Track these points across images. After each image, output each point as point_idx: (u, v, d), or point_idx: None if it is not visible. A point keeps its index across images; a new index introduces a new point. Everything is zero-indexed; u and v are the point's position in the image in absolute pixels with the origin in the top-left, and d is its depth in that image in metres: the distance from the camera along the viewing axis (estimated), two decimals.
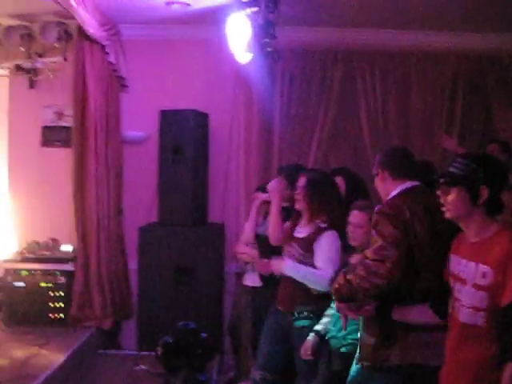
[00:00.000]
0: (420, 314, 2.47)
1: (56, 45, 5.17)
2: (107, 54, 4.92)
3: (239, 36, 4.04)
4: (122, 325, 5.31)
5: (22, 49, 5.28)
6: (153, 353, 4.28)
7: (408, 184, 2.67)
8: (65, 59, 5.18)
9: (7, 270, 4.94)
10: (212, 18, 4.74)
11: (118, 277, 5.14)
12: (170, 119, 4.91)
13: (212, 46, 4.98)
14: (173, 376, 4.09)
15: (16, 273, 4.92)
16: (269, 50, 4.26)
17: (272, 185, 3.67)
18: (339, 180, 3.68)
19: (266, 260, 3.50)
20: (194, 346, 4.15)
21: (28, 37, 5.25)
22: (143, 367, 4.43)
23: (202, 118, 5.12)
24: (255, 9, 4.00)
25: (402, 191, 2.66)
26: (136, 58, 5.29)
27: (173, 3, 4.74)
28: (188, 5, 4.76)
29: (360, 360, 2.67)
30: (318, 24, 5.08)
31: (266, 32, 4.12)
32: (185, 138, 4.87)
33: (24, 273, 4.91)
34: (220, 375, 4.66)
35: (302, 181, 3.41)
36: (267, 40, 4.16)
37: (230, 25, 4.06)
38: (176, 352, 4.13)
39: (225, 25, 4.07)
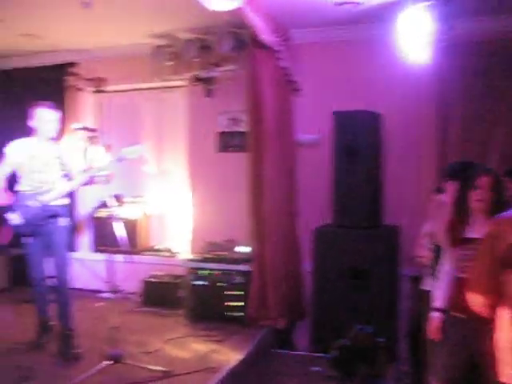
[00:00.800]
0: None
1: (230, 54, 5.42)
2: (280, 59, 5.00)
3: (412, 32, 3.90)
4: (295, 325, 5.36)
5: (199, 60, 5.61)
6: (326, 354, 4.28)
7: None
8: (239, 67, 5.40)
9: (189, 270, 5.24)
10: (382, 16, 4.65)
11: (293, 278, 5.19)
12: (343, 120, 4.87)
13: (382, 44, 4.85)
14: (348, 380, 4.04)
15: (196, 272, 5.20)
16: (444, 44, 4.06)
17: (449, 188, 3.49)
18: None
19: None
20: (371, 350, 4.07)
21: (204, 48, 5.56)
22: (318, 369, 4.41)
23: (375, 119, 5.01)
24: (429, 2, 3.85)
25: None
26: (307, 60, 5.32)
27: (343, 3, 4.72)
28: (358, 4, 4.71)
29: None
30: (497, 12, 4.76)
31: (441, 25, 3.94)
32: (359, 139, 4.81)
33: (204, 272, 5.18)
34: (396, 382, 4.52)
35: (486, 181, 3.18)
36: (442, 34, 3.97)
37: (402, 21, 3.93)
38: (353, 356, 4.08)
39: (396, 22, 3.95)
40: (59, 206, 4.33)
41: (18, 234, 4.30)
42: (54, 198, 4.26)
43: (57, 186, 4.28)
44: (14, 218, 4.25)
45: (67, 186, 4.31)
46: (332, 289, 4.85)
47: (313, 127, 5.39)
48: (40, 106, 4.26)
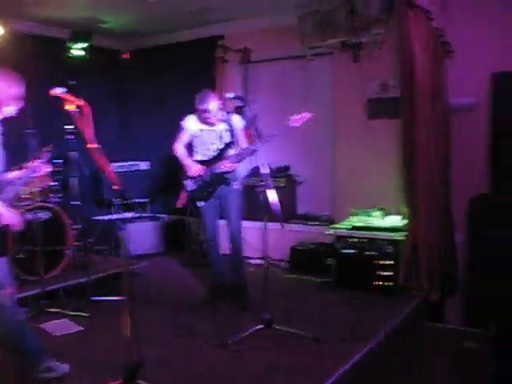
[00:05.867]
0: None
1: (379, 17, 5.19)
2: (431, 19, 4.72)
3: None
4: (446, 298, 5.17)
5: (347, 25, 5.45)
6: (480, 330, 4.07)
7: None
8: (388, 30, 5.17)
9: (336, 238, 5.22)
10: None
11: (446, 249, 4.99)
12: (503, 83, 4.51)
13: None
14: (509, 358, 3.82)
15: (345, 240, 5.16)
16: None
17: None
18: None
19: None
20: None
21: (352, 13, 5.38)
22: (472, 344, 4.22)
23: None
24: None
25: None
26: (459, 18, 5.00)
27: None
28: None
29: None
30: None
31: None
32: None
33: (353, 240, 5.13)
34: None
35: None
36: None
37: None
38: None
39: None
40: (229, 171, 4.63)
41: (192, 198, 4.72)
42: (225, 168, 4.58)
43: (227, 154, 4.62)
44: (189, 185, 4.69)
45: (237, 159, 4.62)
46: (487, 261, 4.59)
47: (468, 91, 5.05)
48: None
